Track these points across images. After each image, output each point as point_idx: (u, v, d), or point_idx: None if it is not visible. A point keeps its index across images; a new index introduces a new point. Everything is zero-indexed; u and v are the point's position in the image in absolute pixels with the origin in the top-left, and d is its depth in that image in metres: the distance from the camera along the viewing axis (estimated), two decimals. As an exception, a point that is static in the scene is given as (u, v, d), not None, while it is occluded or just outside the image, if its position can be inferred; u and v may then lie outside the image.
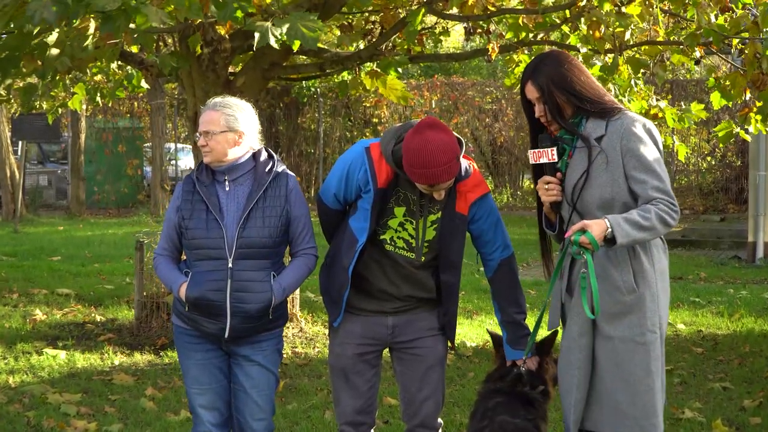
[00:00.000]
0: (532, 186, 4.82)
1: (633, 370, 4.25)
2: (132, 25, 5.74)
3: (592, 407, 4.37)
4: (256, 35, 5.51)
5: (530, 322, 4.74)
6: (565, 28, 8.33)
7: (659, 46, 8.18)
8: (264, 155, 4.85)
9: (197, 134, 4.79)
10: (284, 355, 8.66)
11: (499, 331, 4.86)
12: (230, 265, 4.68)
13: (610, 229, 4.04)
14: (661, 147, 4.29)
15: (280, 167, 4.85)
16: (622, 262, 4.25)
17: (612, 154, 4.21)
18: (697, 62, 7.96)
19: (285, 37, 5.50)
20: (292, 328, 9.64)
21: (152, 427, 6.72)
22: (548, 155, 4.35)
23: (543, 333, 4.83)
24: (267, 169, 4.80)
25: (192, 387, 4.92)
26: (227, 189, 4.77)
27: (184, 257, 4.95)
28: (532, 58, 8.41)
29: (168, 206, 4.94)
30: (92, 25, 6.32)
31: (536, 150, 4.40)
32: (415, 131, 4.31)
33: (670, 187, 4.19)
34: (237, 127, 4.75)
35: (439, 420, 4.91)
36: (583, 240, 4.06)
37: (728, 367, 8.50)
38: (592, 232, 4.04)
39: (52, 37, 6.42)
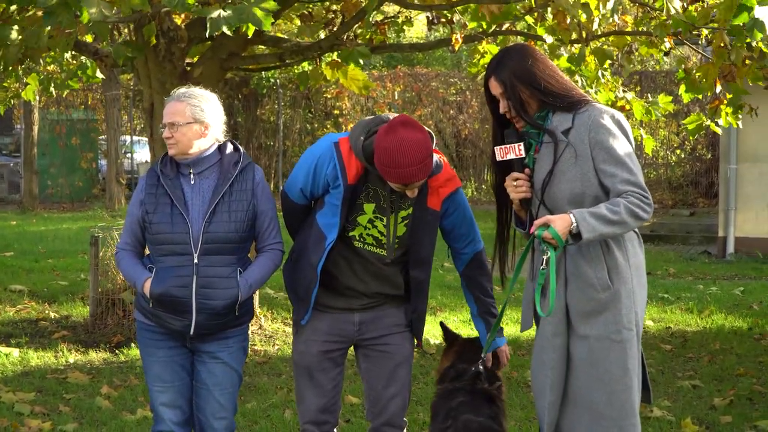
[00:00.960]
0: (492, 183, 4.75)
1: (609, 368, 4.17)
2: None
3: (567, 409, 4.29)
4: (208, 23, 5.39)
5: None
6: (529, 19, 8.22)
7: (627, 38, 8.12)
8: (230, 148, 4.78)
9: (162, 125, 4.69)
10: (243, 353, 8.56)
11: (454, 327, 4.81)
12: (196, 260, 4.61)
13: (575, 224, 3.97)
14: (632, 138, 4.21)
15: (247, 160, 4.77)
16: (595, 258, 4.17)
17: (580, 148, 4.12)
18: (666, 54, 7.92)
19: (237, 22, 5.37)
20: (252, 325, 9.51)
21: (108, 426, 6.64)
22: (515, 151, 4.27)
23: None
24: (233, 162, 4.72)
25: (154, 384, 4.84)
26: (192, 182, 4.69)
27: (147, 252, 4.86)
28: (498, 48, 8.40)
29: (131, 200, 4.81)
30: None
31: (503, 146, 4.31)
32: (388, 130, 4.26)
33: (643, 180, 4.10)
34: (203, 118, 4.67)
35: (404, 419, 4.85)
36: (546, 235, 4.00)
37: (698, 365, 8.48)
38: (555, 227, 3.98)
39: (14, 33, 6.29)
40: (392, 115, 4.43)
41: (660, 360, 8.55)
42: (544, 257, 4.07)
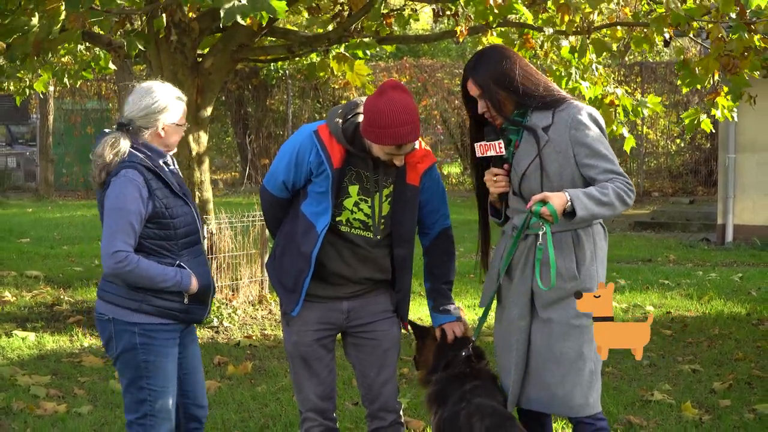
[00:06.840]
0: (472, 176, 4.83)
1: (565, 351, 4.33)
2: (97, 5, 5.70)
3: (525, 388, 4.47)
4: (222, 13, 5.43)
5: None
6: (528, 16, 8.26)
7: (624, 31, 8.17)
8: None
9: (182, 125, 4.65)
10: (253, 337, 8.69)
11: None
12: (204, 247, 4.71)
13: (569, 202, 4.09)
14: (605, 132, 4.37)
15: None
16: (566, 249, 4.32)
17: (561, 144, 4.28)
18: (666, 44, 7.93)
19: (252, 11, 5.42)
20: (262, 310, 9.66)
21: (121, 409, 6.59)
22: (496, 148, 4.41)
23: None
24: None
25: (167, 386, 4.60)
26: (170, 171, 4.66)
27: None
28: (501, 41, 8.49)
29: (124, 198, 4.39)
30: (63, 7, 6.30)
31: (482, 143, 4.45)
32: (380, 93, 4.34)
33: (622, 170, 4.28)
34: None
35: (398, 401, 4.90)
36: (544, 211, 4.10)
37: (697, 350, 8.52)
38: (552, 204, 4.08)
39: (35, 20, 6.39)
40: (363, 99, 4.50)
41: (660, 345, 8.61)
42: (540, 233, 4.22)
